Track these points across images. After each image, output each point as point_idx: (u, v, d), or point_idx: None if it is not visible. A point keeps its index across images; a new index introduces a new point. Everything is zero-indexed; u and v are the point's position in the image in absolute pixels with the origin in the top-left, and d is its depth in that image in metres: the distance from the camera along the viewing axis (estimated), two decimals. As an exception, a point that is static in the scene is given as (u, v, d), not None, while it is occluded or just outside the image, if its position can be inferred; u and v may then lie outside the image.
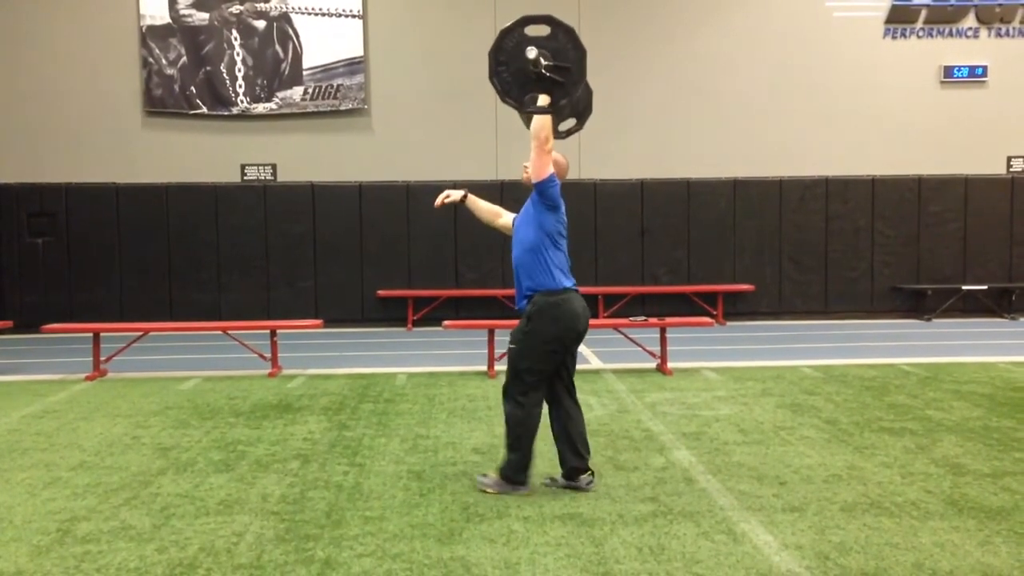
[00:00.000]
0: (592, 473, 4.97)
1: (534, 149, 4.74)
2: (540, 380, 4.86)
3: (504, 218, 5.37)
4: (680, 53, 14.67)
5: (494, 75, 4.80)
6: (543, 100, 4.73)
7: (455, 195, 5.30)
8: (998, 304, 14.36)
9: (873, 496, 4.79)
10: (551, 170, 4.78)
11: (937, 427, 6.43)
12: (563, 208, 4.93)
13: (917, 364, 9.31)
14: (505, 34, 4.78)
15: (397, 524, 4.40)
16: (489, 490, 4.89)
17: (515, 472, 4.88)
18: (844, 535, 4.18)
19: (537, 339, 4.79)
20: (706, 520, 4.41)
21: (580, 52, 4.75)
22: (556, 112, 4.77)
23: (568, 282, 4.89)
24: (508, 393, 4.90)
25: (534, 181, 4.81)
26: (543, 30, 4.78)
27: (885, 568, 3.77)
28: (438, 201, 5.31)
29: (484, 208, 5.42)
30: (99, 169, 14.11)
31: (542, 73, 4.69)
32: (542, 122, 4.74)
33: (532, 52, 4.65)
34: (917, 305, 14.32)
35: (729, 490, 4.92)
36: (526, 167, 4.91)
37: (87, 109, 14.26)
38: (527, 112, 4.77)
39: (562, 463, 4.97)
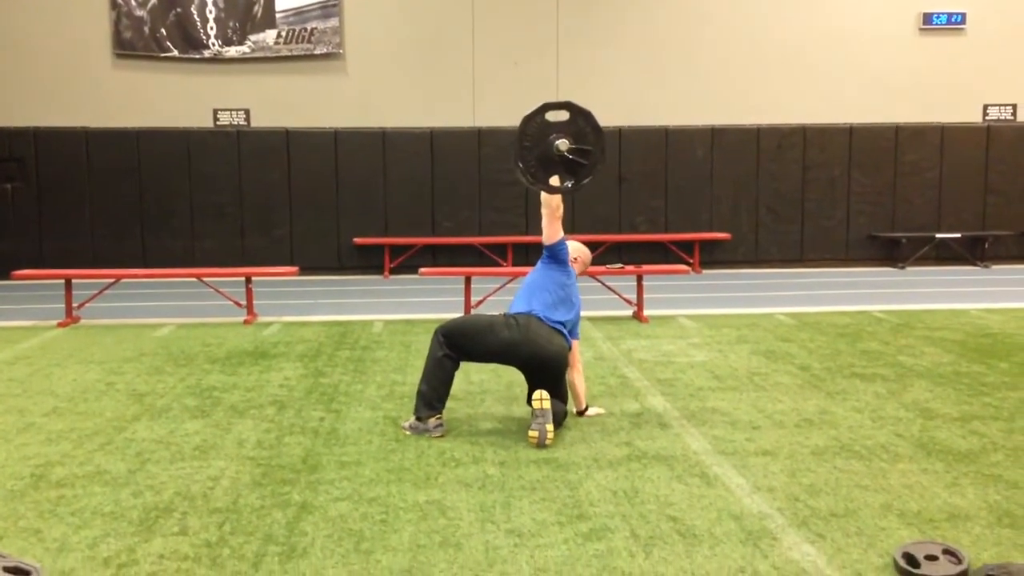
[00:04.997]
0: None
1: (546, 216, 5.14)
2: (463, 350, 5.04)
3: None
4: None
5: (519, 159, 5.09)
6: (555, 180, 5.08)
7: None
8: (971, 252, 14.49)
9: (844, 440, 4.86)
10: (561, 235, 5.20)
11: (908, 372, 6.51)
12: (569, 265, 5.31)
13: (890, 311, 9.40)
14: (527, 121, 5.08)
15: (373, 469, 4.42)
16: (407, 432, 5.01)
17: (423, 407, 5.02)
18: (815, 477, 4.25)
19: (499, 325, 5.00)
20: (680, 464, 4.47)
21: (599, 134, 5.12)
22: (579, 188, 5.17)
23: (545, 312, 5.08)
24: (440, 334, 5.05)
25: (546, 244, 5.22)
26: (563, 114, 5.12)
27: (854, 509, 3.84)
28: None
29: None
30: (68, 113, 13.83)
31: (566, 157, 5.03)
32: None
33: (563, 144, 5.00)
34: (892, 253, 14.43)
35: (703, 435, 4.98)
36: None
37: (55, 51, 13.92)
38: (553, 193, 5.10)
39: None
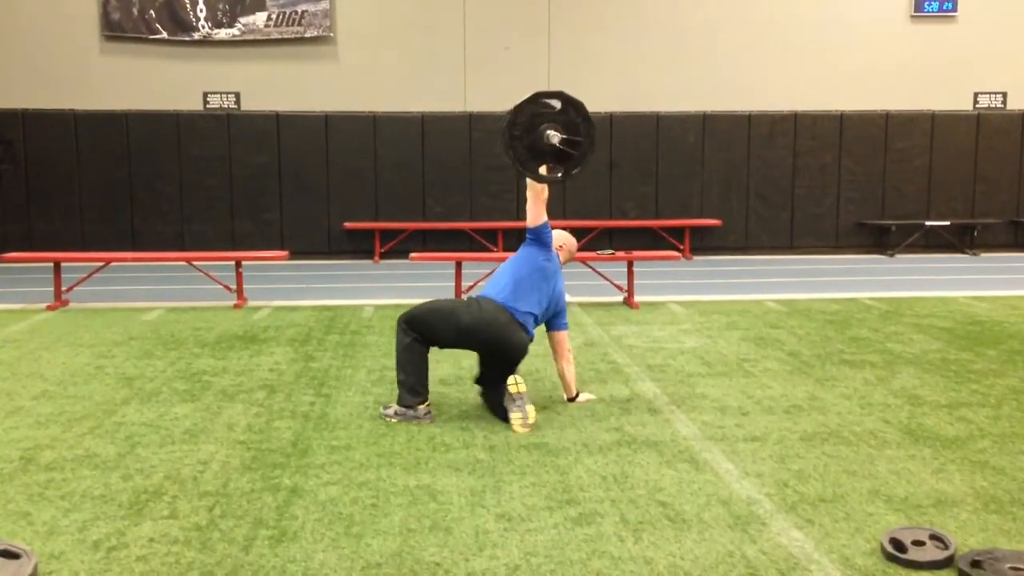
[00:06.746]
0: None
1: (531, 199, 5.15)
2: (426, 337, 5.01)
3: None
4: (652, -17, 14.46)
5: (509, 148, 5.08)
6: (544, 168, 5.09)
7: None
8: (960, 240, 14.55)
9: (832, 426, 4.88)
10: (545, 218, 5.19)
11: (897, 359, 6.54)
12: (552, 249, 5.25)
13: (879, 298, 9.44)
14: (518, 110, 5.06)
15: (363, 453, 4.43)
16: (392, 419, 4.97)
17: (408, 395, 4.99)
18: (803, 463, 4.27)
19: (460, 310, 5.01)
20: (669, 449, 4.48)
21: (589, 124, 5.10)
22: (568, 178, 5.21)
23: (510, 302, 5.02)
24: (402, 322, 5.05)
25: (530, 227, 5.20)
26: (554, 103, 5.10)
27: (842, 495, 3.86)
28: None
29: None
30: (57, 95, 13.73)
31: (556, 147, 5.03)
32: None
33: (555, 137, 4.99)
34: (881, 241, 14.47)
35: (692, 420, 5.00)
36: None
37: (43, 33, 13.81)
38: (542, 183, 5.14)
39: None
